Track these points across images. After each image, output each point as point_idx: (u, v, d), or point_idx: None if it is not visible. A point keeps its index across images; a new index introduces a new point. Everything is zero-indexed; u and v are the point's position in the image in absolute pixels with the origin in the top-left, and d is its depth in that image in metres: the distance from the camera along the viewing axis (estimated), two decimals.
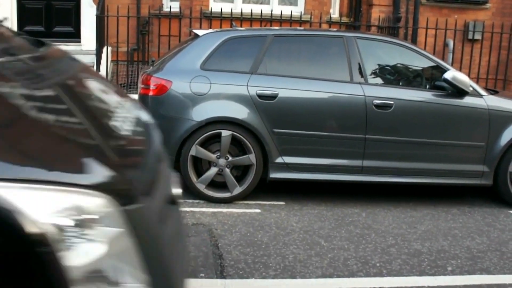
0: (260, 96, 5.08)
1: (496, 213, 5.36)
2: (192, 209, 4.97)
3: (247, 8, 9.97)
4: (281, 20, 9.54)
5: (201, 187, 5.16)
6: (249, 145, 5.09)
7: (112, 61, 9.54)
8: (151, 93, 5.15)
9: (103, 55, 9.02)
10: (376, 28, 9.93)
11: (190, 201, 5.18)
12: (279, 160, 5.14)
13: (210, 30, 5.45)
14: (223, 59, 5.25)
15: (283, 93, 5.09)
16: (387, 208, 5.28)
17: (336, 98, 5.19)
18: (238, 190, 5.16)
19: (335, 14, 10.56)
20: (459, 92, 5.26)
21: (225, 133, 5.06)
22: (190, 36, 6.18)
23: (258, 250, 4.12)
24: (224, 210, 5.01)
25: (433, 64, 5.46)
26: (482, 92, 5.41)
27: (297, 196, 5.45)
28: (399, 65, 5.52)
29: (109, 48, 9.39)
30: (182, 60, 5.21)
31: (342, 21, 10.33)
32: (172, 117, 5.09)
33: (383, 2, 10.24)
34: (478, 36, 10.08)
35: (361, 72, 5.23)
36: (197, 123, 5.04)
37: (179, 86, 5.10)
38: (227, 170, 5.15)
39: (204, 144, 5.11)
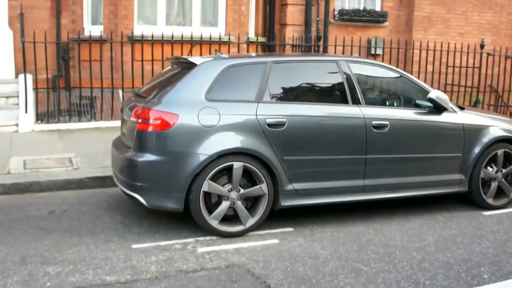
0: (270, 125, 5.04)
1: (475, 216, 5.85)
2: (212, 248, 4.78)
3: (168, 31, 9.76)
4: (201, 42, 9.48)
5: (214, 224, 4.98)
6: (261, 175, 5.02)
7: (33, 89, 8.77)
8: (151, 128, 4.87)
9: (21, 83, 8.27)
10: (290, 46, 10.25)
11: (202, 238, 4.98)
12: (289, 187, 5.13)
13: (206, 58, 5.27)
14: (226, 88, 5.12)
15: (291, 120, 5.11)
16: (384, 222, 5.52)
17: (339, 121, 5.31)
18: (251, 222, 5.06)
19: (251, 34, 10.71)
20: (439, 109, 5.67)
21: (237, 165, 4.95)
22: (176, 62, 5.91)
23: (313, 286, 4.10)
24: (244, 244, 4.88)
25: (412, 83, 5.82)
26: (456, 109, 5.89)
27: (298, 220, 5.47)
28: (386, 86, 5.81)
29: (29, 76, 8.63)
30: (183, 90, 4.99)
31: (259, 40, 10.51)
32: (181, 153, 4.85)
33: (296, 22, 10.62)
34: (379, 51, 10.93)
35: (357, 95, 5.41)
36: (208, 157, 4.85)
37: (187, 119, 4.88)
38: (239, 202, 5.03)
39: (213, 178, 4.94)
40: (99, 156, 7.35)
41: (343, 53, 9.88)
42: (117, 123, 9.11)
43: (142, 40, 9.37)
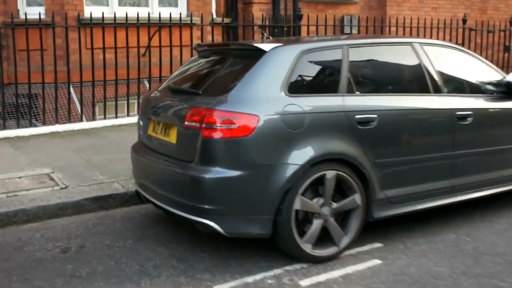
0: (360, 123, 4.13)
1: None
2: (316, 280, 3.82)
3: (122, 12, 8.36)
4: (160, 24, 8.24)
5: (308, 248, 4.00)
6: (354, 184, 4.12)
7: None
8: (222, 135, 3.76)
9: None
10: (257, 27, 9.26)
11: (291, 268, 3.99)
12: (381, 195, 4.27)
13: (275, 44, 4.19)
14: (304, 78, 4.14)
15: (381, 116, 4.22)
16: (468, 225, 4.83)
17: (427, 113, 4.54)
18: (345, 241, 4.15)
19: (214, 14, 9.55)
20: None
21: (330, 174, 4.00)
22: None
23: None
24: (348, 269, 3.97)
25: (484, 65, 5.16)
26: None
27: (377, 233, 4.60)
28: (460, 69, 5.07)
29: None
30: (256, 84, 3.91)
31: (224, 22, 9.39)
32: (266, 164, 3.81)
33: (262, 0, 9.62)
34: (354, 30, 10.23)
35: (437, 82, 4.64)
36: (300, 167, 3.85)
37: (270, 120, 3.83)
38: (332, 219, 4.09)
39: (303, 193, 3.96)
40: (82, 169, 5.95)
41: (316, 33, 9.08)
42: (78, 126, 7.69)
43: (91, 24, 7.90)
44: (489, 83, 5.08)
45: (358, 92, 4.24)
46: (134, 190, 4.85)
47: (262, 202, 3.82)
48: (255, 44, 4.19)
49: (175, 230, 4.67)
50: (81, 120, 7.99)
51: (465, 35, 10.82)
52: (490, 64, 5.25)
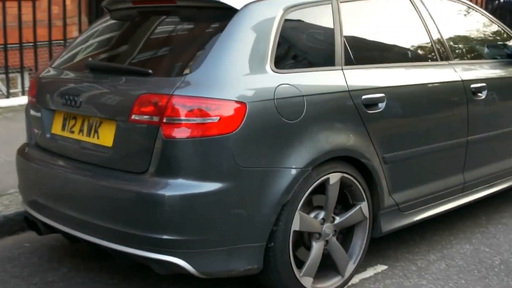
0: (367, 105, 3.06)
1: None
2: None
3: None
4: None
5: (308, 283, 2.88)
6: (361, 189, 3.05)
7: None
8: (189, 133, 2.54)
9: None
10: None
11: None
12: (390, 201, 3.24)
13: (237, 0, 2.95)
14: (293, 48, 3.00)
15: (390, 95, 3.17)
16: (478, 231, 3.94)
17: (438, 88, 3.54)
18: (351, 267, 3.08)
19: None
20: None
21: (334, 178, 2.91)
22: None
23: None
24: None
25: (495, 27, 4.25)
26: None
27: (373, 251, 3.55)
28: (467, 29, 4.11)
29: None
30: (230, 57, 2.71)
31: None
32: (254, 171, 2.64)
33: None
34: None
35: (444, 46, 3.67)
36: (301, 172, 2.72)
37: (259, 109, 2.64)
38: (334, 239, 3.00)
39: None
40: None
41: None
42: None
43: None
44: (503, 46, 4.19)
45: (358, 64, 3.16)
46: (23, 213, 3.39)
47: (251, 224, 2.65)
48: (225, 1, 2.93)
49: (92, 271, 3.30)
50: None
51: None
52: (500, 23, 4.33)
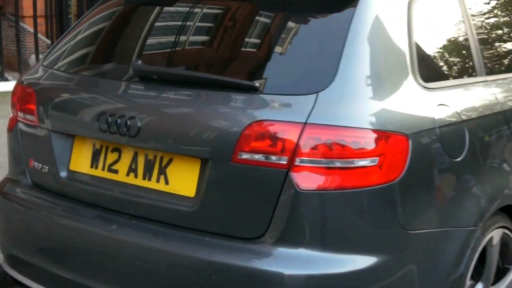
0: None
1: None
2: None
3: None
4: None
5: None
6: None
7: None
8: (338, 182, 1.69)
9: None
10: None
11: None
12: None
13: None
14: (430, 50, 2.16)
15: None
16: None
17: None
18: None
19: None
20: None
21: (497, 236, 2.12)
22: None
23: None
24: None
25: None
26: None
27: None
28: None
29: None
30: (367, 64, 1.81)
31: None
32: (422, 236, 1.82)
33: None
34: None
35: None
36: (470, 232, 1.92)
37: (423, 145, 1.82)
38: None
39: None
40: None
41: None
42: None
43: None
44: None
45: (496, 74, 2.37)
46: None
47: None
48: None
49: None
50: None
51: None
52: None
